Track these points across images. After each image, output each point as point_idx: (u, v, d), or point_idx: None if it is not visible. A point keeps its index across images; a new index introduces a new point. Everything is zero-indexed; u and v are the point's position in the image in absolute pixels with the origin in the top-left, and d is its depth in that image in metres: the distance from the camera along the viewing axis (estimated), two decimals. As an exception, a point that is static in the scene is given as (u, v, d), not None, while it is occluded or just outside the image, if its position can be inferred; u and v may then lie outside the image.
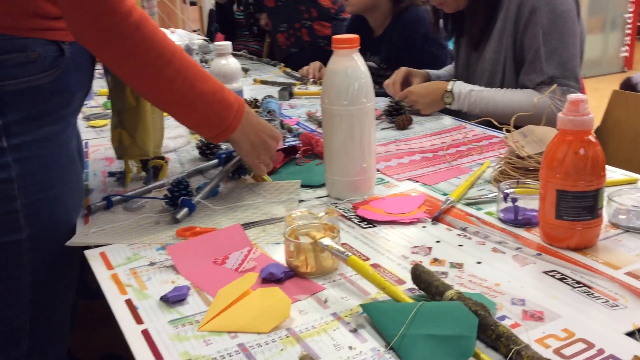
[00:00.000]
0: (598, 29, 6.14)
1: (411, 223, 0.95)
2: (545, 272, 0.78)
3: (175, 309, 0.74)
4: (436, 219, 0.96)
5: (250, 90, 1.99)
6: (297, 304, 0.74)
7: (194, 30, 4.75)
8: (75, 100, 0.98)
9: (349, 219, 0.98)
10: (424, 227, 0.94)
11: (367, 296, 0.75)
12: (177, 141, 1.41)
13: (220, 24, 3.63)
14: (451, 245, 0.88)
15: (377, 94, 1.70)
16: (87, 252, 0.90)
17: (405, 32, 2.00)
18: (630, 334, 0.65)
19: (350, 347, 0.65)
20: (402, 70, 1.72)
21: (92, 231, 0.96)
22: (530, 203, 0.92)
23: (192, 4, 7.43)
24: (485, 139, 1.37)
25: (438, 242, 0.89)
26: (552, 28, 1.43)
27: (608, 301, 0.71)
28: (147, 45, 0.91)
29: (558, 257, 0.82)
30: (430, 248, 0.87)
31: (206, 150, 1.31)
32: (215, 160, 1.24)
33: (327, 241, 0.79)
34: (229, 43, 1.45)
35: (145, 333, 0.69)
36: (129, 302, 0.76)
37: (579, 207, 0.81)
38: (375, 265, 0.83)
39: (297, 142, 1.31)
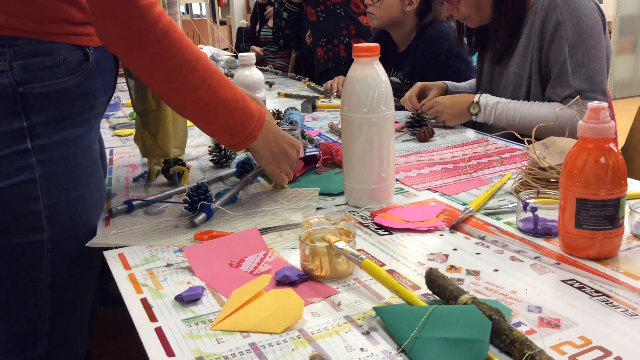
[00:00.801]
0: (629, 50, 6.06)
1: (428, 231, 0.95)
2: (564, 281, 0.77)
3: (189, 309, 0.75)
4: (454, 228, 0.95)
5: (274, 103, 2.01)
6: (310, 306, 0.74)
7: (225, 49, 4.83)
8: (98, 105, 1.00)
9: (366, 226, 0.98)
10: (441, 235, 0.93)
11: (381, 300, 0.75)
12: (199, 149, 1.42)
13: (248, 42, 3.69)
14: (468, 253, 0.87)
15: (400, 108, 1.72)
16: (106, 253, 0.92)
17: (429, 48, 2.00)
18: (650, 344, 0.63)
19: (362, 349, 0.65)
20: (418, 85, 1.73)
21: (112, 233, 0.98)
22: (550, 213, 0.91)
23: (222, 23, 7.56)
24: (508, 152, 1.36)
25: (455, 249, 0.88)
26: (577, 42, 1.42)
27: (627, 310, 0.69)
28: (174, 51, 0.93)
29: (577, 266, 0.80)
30: (447, 255, 0.86)
31: (221, 159, 1.33)
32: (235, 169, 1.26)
33: (341, 244, 0.79)
34: (252, 54, 1.47)
35: (159, 331, 0.70)
36: (144, 301, 0.77)
37: (599, 216, 0.80)
38: (390, 271, 0.82)
39: (317, 151, 1.31)
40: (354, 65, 1.03)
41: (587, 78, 1.42)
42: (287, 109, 1.68)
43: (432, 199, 1.09)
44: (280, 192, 1.13)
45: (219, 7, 7.48)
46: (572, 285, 0.76)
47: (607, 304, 0.71)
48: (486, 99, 1.53)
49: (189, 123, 1.66)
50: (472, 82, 1.81)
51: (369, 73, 1.01)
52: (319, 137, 1.53)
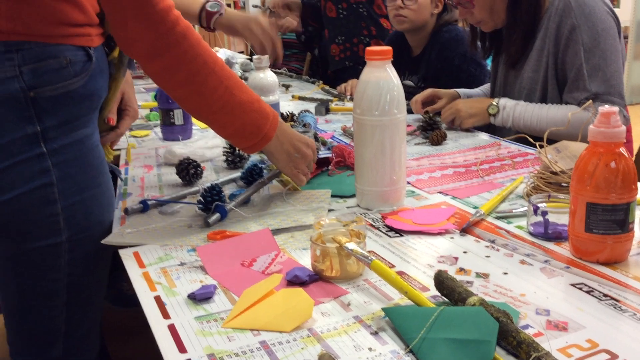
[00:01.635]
0: (646, 55, 5.99)
1: (439, 234, 0.95)
2: (573, 285, 0.77)
3: (202, 306, 0.76)
4: (464, 231, 0.96)
5: (288, 105, 2.02)
6: (320, 306, 0.75)
7: (240, 52, 4.85)
8: (100, 104, 1.02)
9: (377, 228, 0.99)
10: (451, 238, 0.94)
11: (390, 301, 0.76)
12: (213, 151, 1.44)
13: None
14: (478, 256, 0.87)
15: (412, 112, 1.72)
16: (121, 251, 0.93)
17: (443, 52, 2.00)
18: (658, 348, 0.63)
19: (370, 349, 0.66)
20: (428, 91, 1.73)
21: (128, 231, 0.99)
22: (561, 217, 0.91)
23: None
24: (520, 156, 1.36)
25: (465, 252, 0.89)
26: (593, 45, 1.42)
27: (636, 314, 0.69)
28: (193, 54, 0.95)
29: (587, 270, 0.81)
30: (456, 258, 0.87)
31: (235, 159, 1.34)
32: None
33: (352, 245, 0.80)
34: (266, 56, 1.48)
35: (172, 327, 0.71)
36: (157, 299, 0.79)
37: (609, 220, 0.80)
38: (400, 273, 0.83)
39: (330, 154, 1.32)
40: (366, 68, 1.04)
41: (604, 81, 1.42)
42: (301, 112, 1.70)
43: (443, 202, 1.10)
44: (293, 194, 1.14)
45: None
46: (580, 289, 0.76)
47: (615, 308, 0.71)
48: (505, 101, 1.54)
49: (201, 125, 1.68)
50: (484, 88, 1.81)
51: (382, 76, 1.02)
52: (331, 140, 1.54)
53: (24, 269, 0.95)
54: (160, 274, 0.85)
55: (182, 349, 0.67)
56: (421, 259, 0.87)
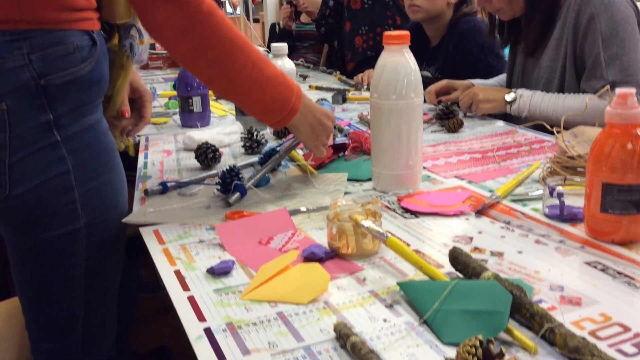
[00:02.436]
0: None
1: (454, 215, 0.96)
2: (587, 263, 0.78)
3: (220, 280, 0.78)
4: (480, 213, 0.96)
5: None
6: (335, 280, 0.77)
7: (259, 46, 4.88)
8: (105, 89, 1.01)
9: (393, 210, 1.00)
10: (467, 219, 0.95)
11: (405, 277, 0.77)
12: (230, 137, 1.46)
13: (280, 39, 3.72)
14: (493, 236, 0.88)
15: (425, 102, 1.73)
16: (142, 229, 0.95)
17: (461, 42, 2.00)
18: (671, 322, 0.64)
19: (385, 320, 0.67)
20: (444, 81, 1.74)
21: (149, 211, 1.02)
22: (576, 200, 0.91)
23: (255, 20, 7.63)
24: (537, 143, 1.36)
25: (480, 233, 0.89)
26: (612, 34, 1.41)
27: (650, 291, 0.70)
28: (221, 32, 0.95)
29: (602, 250, 0.81)
30: (471, 238, 0.88)
31: (252, 145, 1.36)
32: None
33: (368, 223, 0.81)
34: (284, 44, 1.50)
35: (191, 299, 0.73)
36: (177, 273, 0.80)
37: (625, 200, 0.80)
38: (415, 252, 0.83)
39: (346, 140, 1.33)
40: (383, 52, 1.05)
41: (621, 70, 1.41)
42: (318, 100, 1.71)
43: (459, 186, 1.10)
44: (310, 177, 1.16)
45: (253, 5, 7.56)
46: (595, 267, 0.77)
47: (629, 284, 0.72)
48: (523, 90, 1.54)
49: (219, 112, 1.70)
50: (500, 78, 1.81)
51: (399, 60, 1.03)
52: (348, 127, 1.55)
53: (44, 258, 0.96)
54: (180, 250, 0.87)
55: (201, 318, 0.69)
56: (436, 239, 0.88)
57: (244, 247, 0.87)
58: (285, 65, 1.51)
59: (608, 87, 1.29)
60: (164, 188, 1.11)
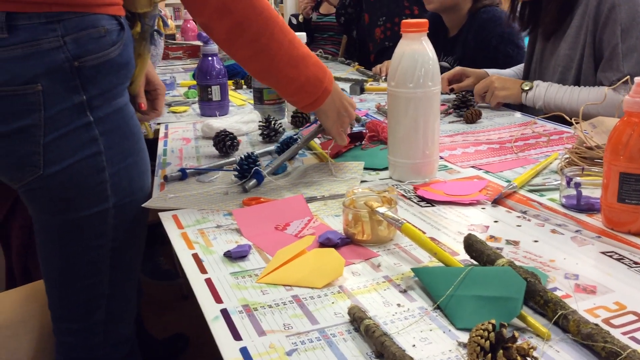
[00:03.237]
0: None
1: (470, 204, 0.96)
2: (603, 253, 0.78)
3: (237, 264, 0.79)
4: (496, 202, 0.96)
5: (323, 85, 2.04)
6: (350, 266, 0.77)
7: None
8: (133, 72, 1.03)
9: (409, 199, 1.00)
10: (483, 208, 0.95)
11: (420, 264, 0.77)
12: (249, 125, 1.47)
13: (298, 30, 3.73)
14: (509, 225, 0.88)
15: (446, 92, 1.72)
16: (161, 214, 0.97)
17: (480, 32, 1.99)
18: (687, 312, 0.64)
19: (399, 305, 0.68)
20: (457, 69, 1.73)
21: (169, 196, 1.03)
22: (594, 191, 0.91)
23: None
24: (555, 134, 1.35)
25: (496, 222, 0.89)
26: (631, 26, 1.39)
27: (666, 281, 0.70)
28: (260, 8, 0.97)
29: (618, 240, 0.81)
30: (487, 226, 0.88)
31: (270, 133, 1.37)
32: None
33: (383, 210, 0.81)
34: (303, 33, 1.50)
35: (208, 281, 0.75)
36: (195, 256, 0.82)
37: (642, 190, 0.80)
38: (430, 239, 0.84)
39: (363, 129, 1.34)
40: (401, 41, 1.05)
41: (638, 62, 1.40)
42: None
43: (476, 176, 1.10)
44: (326, 165, 1.17)
45: (272, -2, 7.60)
46: (611, 256, 0.76)
47: (645, 274, 0.71)
48: (539, 81, 1.53)
49: (237, 101, 1.71)
50: (517, 68, 1.80)
51: (417, 49, 1.03)
52: (365, 117, 1.55)
53: (72, 238, 0.98)
54: (198, 234, 0.89)
55: (218, 299, 0.70)
56: (451, 227, 0.88)
57: (260, 232, 0.89)
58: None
59: (627, 78, 1.27)
60: (183, 174, 1.13)
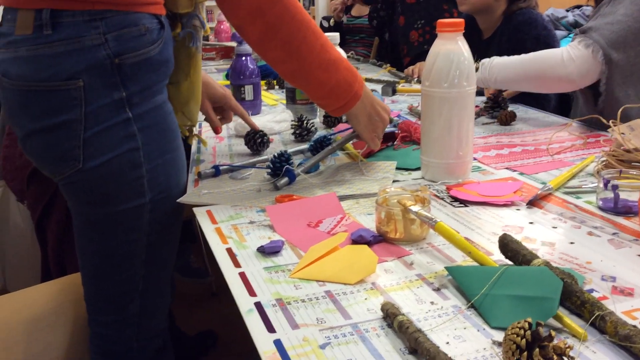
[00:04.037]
0: None
1: (505, 205, 0.95)
2: (642, 256, 0.76)
3: (270, 259, 0.80)
4: (531, 204, 0.95)
5: (355, 86, 2.04)
6: (383, 264, 0.77)
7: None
8: (171, 71, 1.04)
9: (441, 199, 1.00)
10: (517, 209, 0.94)
11: (453, 263, 0.77)
12: (281, 125, 1.48)
13: (330, 31, 3.73)
14: (545, 226, 0.87)
15: (480, 93, 1.71)
16: (195, 210, 0.98)
17: (515, 34, 1.96)
18: None
19: (432, 303, 0.67)
20: None
21: (203, 192, 1.05)
22: (631, 194, 0.89)
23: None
24: (592, 137, 1.33)
25: (531, 223, 0.88)
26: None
27: None
28: (293, 11, 0.97)
29: (658, 243, 0.79)
30: (522, 228, 0.87)
31: (302, 132, 1.38)
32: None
33: (416, 208, 0.81)
34: (336, 34, 1.50)
35: (242, 275, 0.75)
36: (229, 250, 0.83)
37: (684, 193, 0.78)
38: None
39: (395, 130, 1.34)
40: (437, 40, 1.04)
41: (602, 26, 1.36)
42: (368, 91, 1.71)
43: (510, 177, 1.09)
44: (359, 165, 1.17)
45: (303, 1, 7.64)
46: (650, 260, 0.75)
47: (686, 278, 0.70)
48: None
49: (270, 101, 1.72)
50: None
51: (452, 48, 1.03)
52: (397, 118, 1.55)
53: (109, 231, 1.00)
54: (232, 229, 0.90)
55: (252, 293, 0.71)
56: (485, 227, 0.88)
57: (293, 229, 0.89)
58: (337, 55, 1.51)
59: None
60: (216, 171, 1.14)
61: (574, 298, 0.63)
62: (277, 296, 0.70)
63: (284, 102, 1.72)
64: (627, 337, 0.56)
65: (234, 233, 0.88)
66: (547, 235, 0.84)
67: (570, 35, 2.23)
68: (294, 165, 1.11)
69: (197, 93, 1.19)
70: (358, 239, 0.83)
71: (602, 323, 0.59)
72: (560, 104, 1.95)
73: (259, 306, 0.68)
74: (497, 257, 0.76)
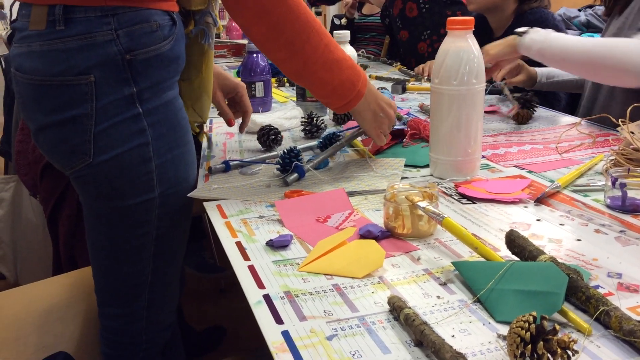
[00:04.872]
0: None
1: (512, 202, 0.96)
2: (649, 253, 0.76)
3: (279, 253, 0.81)
4: (539, 201, 0.96)
5: (365, 84, 2.05)
6: (390, 258, 0.78)
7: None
8: (182, 67, 1.05)
9: (450, 196, 1.01)
10: (525, 207, 0.94)
11: (460, 258, 0.78)
12: (291, 121, 1.49)
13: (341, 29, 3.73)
14: (552, 224, 0.87)
15: (492, 92, 1.71)
16: (206, 204, 1.00)
17: (526, 34, 1.96)
18: None
19: (438, 297, 0.68)
20: (518, 61, 1.60)
21: (213, 187, 1.06)
22: (639, 192, 0.90)
23: (317, 14, 7.68)
24: (601, 136, 1.33)
25: (539, 220, 0.89)
26: None
27: None
28: (297, 11, 0.98)
29: (665, 241, 0.80)
30: (529, 225, 0.87)
31: (312, 129, 1.38)
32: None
33: (424, 204, 0.82)
34: (347, 32, 1.51)
35: (251, 268, 0.77)
36: (238, 244, 0.84)
37: (692, 191, 0.78)
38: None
39: (405, 127, 1.34)
40: (447, 38, 1.05)
41: None
42: (378, 89, 1.71)
43: (518, 175, 1.10)
44: (367, 161, 1.18)
45: (315, -2, 7.65)
46: (657, 257, 0.75)
47: (692, 275, 0.70)
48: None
49: (280, 98, 1.73)
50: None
51: (462, 46, 1.03)
52: (407, 116, 1.55)
53: (119, 225, 1.01)
54: (241, 224, 0.91)
55: (260, 285, 0.72)
56: (493, 224, 0.88)
57: (302, 223, 0.90)
58: (347, 51, 1.52)
59: None
60: (226, 166, 1.15)
61: (579, 293, 0.63)
62: (286, 289, 0.71)
63: (294, 99, 1.73)
64: (631, 332, 0.56)
65: (243, 227, 0.90)
66: (554, 232, 0.84)
67: (582, 35, 2.21)
68: (304, 162, 1.12)
69: (209, 89, 1.20)
70: (366, 234, 0.84)
71: (606, 318, 0.59)
72: (569, 105, 1.95)
73: (267, 298, 0.69)
74: (504, 253, 0.77)
